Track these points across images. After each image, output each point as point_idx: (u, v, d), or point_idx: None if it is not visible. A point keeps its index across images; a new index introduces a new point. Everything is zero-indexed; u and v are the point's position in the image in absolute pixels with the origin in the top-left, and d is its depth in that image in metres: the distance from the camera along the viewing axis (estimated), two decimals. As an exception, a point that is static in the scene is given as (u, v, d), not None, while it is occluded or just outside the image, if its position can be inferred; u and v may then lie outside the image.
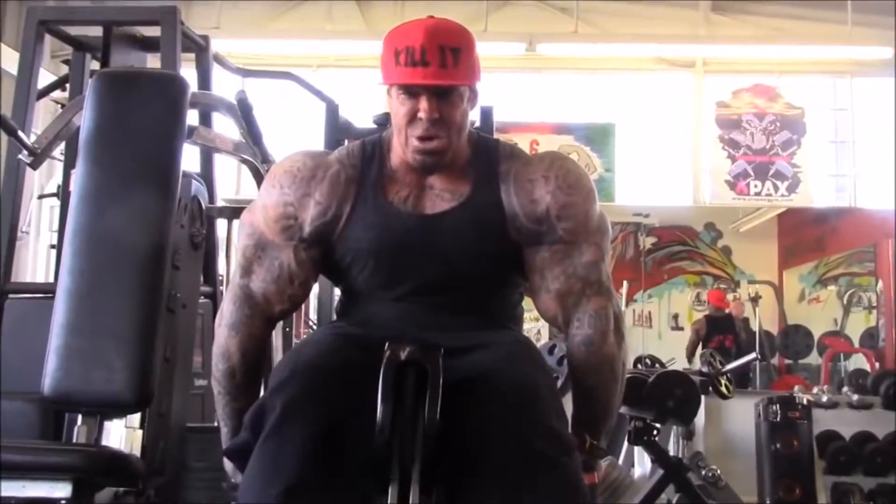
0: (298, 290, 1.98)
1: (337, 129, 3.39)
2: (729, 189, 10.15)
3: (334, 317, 2.16)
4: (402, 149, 1.92)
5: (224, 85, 4.41)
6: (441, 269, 1.91)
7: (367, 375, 1.67)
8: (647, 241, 11.23)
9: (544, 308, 1.98)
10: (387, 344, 1.71)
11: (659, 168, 10.56)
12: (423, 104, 1.84)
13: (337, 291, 2.28)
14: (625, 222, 10.92)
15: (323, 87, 4.26)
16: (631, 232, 11.21)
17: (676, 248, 11.45)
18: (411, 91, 1.85)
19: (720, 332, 8.83)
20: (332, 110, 3.49)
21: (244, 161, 3.09)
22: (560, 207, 1.93)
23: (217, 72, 4.20)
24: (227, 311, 1.98)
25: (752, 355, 6.18)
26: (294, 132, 8.08)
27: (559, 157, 1.99)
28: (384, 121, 2.63)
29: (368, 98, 5.83)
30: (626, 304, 9.49)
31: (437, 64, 1.80)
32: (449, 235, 1.90)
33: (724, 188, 10.17)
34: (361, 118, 3.40)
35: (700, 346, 8.54)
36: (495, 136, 2.36)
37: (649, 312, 11.14)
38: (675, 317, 11.26)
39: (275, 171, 1.99)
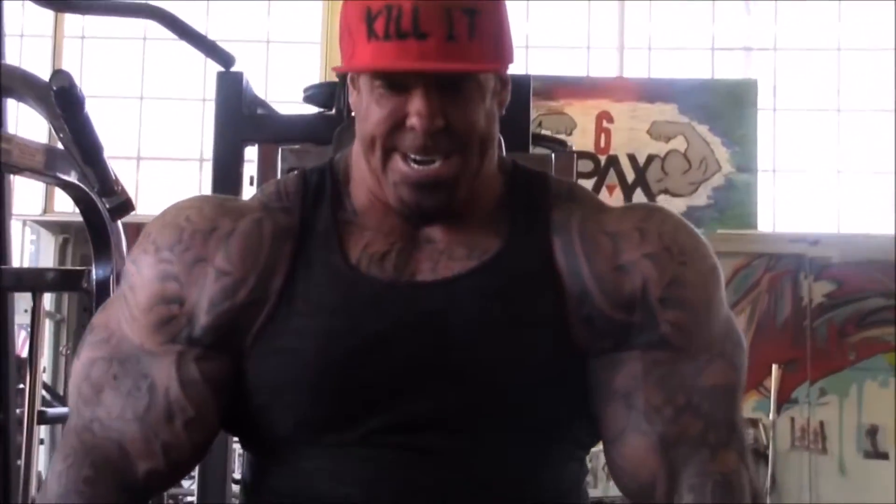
0: (182, 435, 1.36)
1: (240, 116, 2.67)
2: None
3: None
4: (377, 180, 1.38)
5: (29, 21, 3.64)
6: (443, 384, 1.32)
7: None
8: (818, 290, 7.80)
9: (633, 464, 1.35)
10: None
11: (840, 165, 7.66)
12: (418, 103, 1.29)
13: (238, 449, 1.77)
14: (776, 254, 7.68)
15: (215, 31, 3.54)
16: (787, 272, 7.75)
17: (873, 303, 7.84)
18: (395, 82, 1.30)
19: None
20: (232, 81, 2.75)
21: (65, 186, 2.58)
22: (669, 284, 1.37)
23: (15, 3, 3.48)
24: (53, 475, 1.41)
25: None
26: (162, 132, 6.99)
27: (661, 208, 1.51)
28: (325, 99, 2.40)
29: (301, 53, 5.76)
30: (779, 409, 7.07)
31: (440, 35, 1.27)
32: (463, 322, 1.33)
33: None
34: (287, 93, 2.83)
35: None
36: (533, 112, 2.22)
37: (822, 424, 7.72)
38: (873, 432, 7.72)
39: (148, 229, 1.49)
